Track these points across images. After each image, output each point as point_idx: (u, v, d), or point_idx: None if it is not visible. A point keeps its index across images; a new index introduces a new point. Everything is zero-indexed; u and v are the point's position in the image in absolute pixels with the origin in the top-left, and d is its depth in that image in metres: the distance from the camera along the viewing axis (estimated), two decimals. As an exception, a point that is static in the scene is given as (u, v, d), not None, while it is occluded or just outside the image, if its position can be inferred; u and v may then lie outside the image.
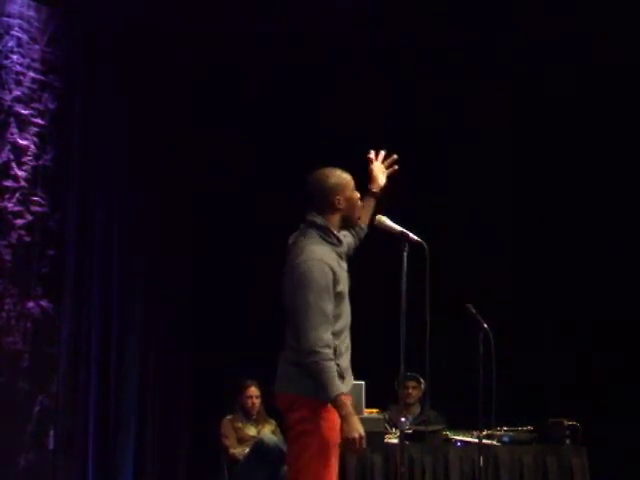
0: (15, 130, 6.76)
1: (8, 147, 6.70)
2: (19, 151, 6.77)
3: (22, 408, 6.70)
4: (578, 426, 6.54)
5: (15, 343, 6.67)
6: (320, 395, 3.91)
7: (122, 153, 7.55)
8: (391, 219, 4.30)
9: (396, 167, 4.55)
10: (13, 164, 6.73)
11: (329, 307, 3.94)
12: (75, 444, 7.04)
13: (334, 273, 3.99)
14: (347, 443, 3.91)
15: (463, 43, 8.15)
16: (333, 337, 3.95)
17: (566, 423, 6.55)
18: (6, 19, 6.77)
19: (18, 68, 6.82)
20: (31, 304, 6.78)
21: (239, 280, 8.02)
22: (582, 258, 8.31)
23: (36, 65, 6.95)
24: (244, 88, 8.07)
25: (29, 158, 6.84)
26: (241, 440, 7.27)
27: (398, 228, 4.26)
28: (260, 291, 7.04)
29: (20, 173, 6.75)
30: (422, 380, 7.41)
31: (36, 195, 6.88)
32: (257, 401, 7.38)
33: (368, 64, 8.25)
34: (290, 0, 7.76)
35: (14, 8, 6.83)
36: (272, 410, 6.83)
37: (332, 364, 3.90)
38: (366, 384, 6.39)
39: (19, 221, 6.74)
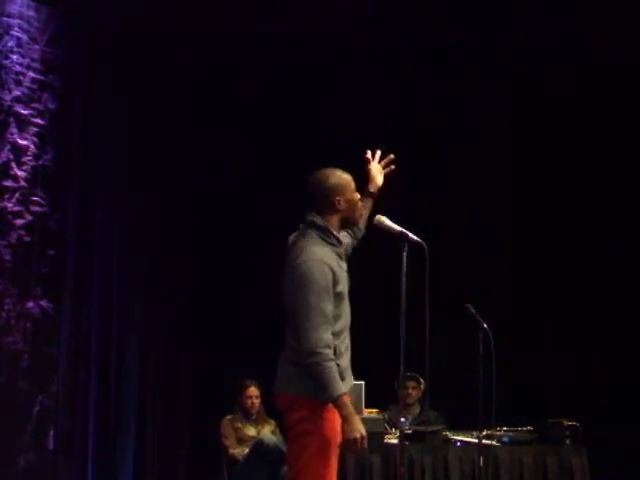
0: (15, 130, 6.76)
1: (8, 147, 6.70)
2: (19, 151, 6.77)
3: (22, 408, 6.70)
4: (578, 426, 6.55)
5: (15, 343, 6.67)
6: (321, 395, 3.90)
7: (122, 153, 7.55)
8: (391, 219, 4.29)
9: (393, 167, 4.53)
10: (13, 164, 6.73)
11: (329, 308, 3.94)
12: (75, 444, 7.04)
13: (334, 273, 3.98)
14: (348, 443, 3.91)
15: (463, 43, 8.15)
16: (333, 337, 3.95)
17: (566, 423, 6.56)
18: (6, 19, 6.77)
19: (18, 68, 6.82)
20: (31, 304, 6.78)
21: (239, 280, 8.02)
22: (582, 258, 8.31)
23: (36, 65, 6.95)
24: (244, 88, 8.07)
25: (29, 158, 6.84)
26: (241, 440, 7.27)
27: (398, 228, 4.26)
28: (260, 291, 7.03)
29: (20, 173, 6.75)
30: (422, 380, 7.41)
31: (36, 195, 6.88)
32: (257, 401, 7.38)
33: (368, 64, 8.25)
34: (290, 0, 7.77)
35: (14, 8, 6.83)
36: (272, 410, 6.82)
37: (333, 364, 3.90)
38: (366, 384, 6.40)
39: (19, 221, 6.74)
